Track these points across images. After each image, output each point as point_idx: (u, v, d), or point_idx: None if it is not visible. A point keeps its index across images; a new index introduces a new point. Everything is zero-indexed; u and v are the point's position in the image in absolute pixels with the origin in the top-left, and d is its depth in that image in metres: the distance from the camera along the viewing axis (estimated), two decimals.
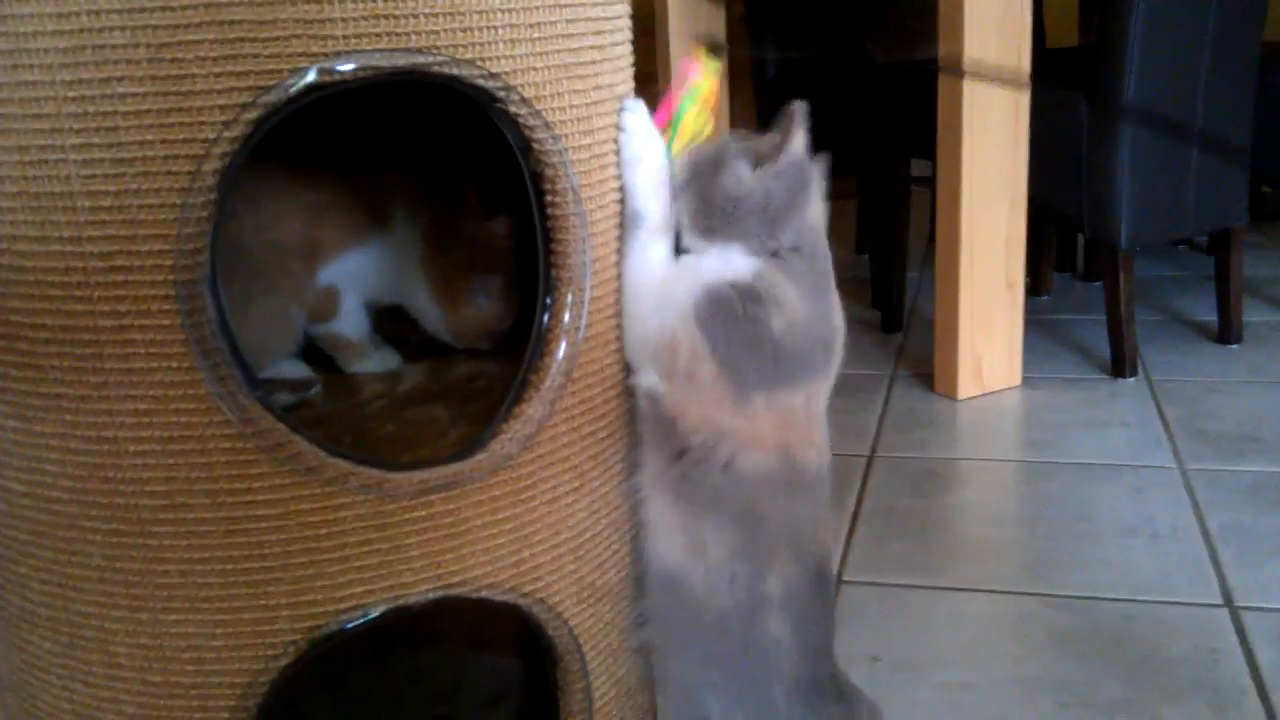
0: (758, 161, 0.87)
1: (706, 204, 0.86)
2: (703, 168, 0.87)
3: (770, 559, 0.86)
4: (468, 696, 1.19)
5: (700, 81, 0.91)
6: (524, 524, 0.82)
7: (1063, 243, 3.16)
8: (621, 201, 0.89)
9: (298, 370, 1.00)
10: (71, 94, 0.68)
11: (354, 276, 1.00)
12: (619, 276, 0.88)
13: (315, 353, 1.04)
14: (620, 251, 0.88)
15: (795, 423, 0.87)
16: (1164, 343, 2.60)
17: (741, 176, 0.86)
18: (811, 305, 0.87)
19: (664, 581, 0.88)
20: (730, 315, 0.84)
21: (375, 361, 1.04)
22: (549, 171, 0.80)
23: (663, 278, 0.87)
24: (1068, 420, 2.20)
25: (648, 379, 0.87)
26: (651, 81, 2.83)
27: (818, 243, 0.89)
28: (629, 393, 0.89)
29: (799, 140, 0.88)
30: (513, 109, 0.77)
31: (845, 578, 1.60)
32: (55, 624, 0.78)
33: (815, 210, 0.90)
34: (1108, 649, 1.44)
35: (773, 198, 0.86)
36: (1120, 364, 2.38)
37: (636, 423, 0.90)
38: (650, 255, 0.88)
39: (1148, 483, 1.91)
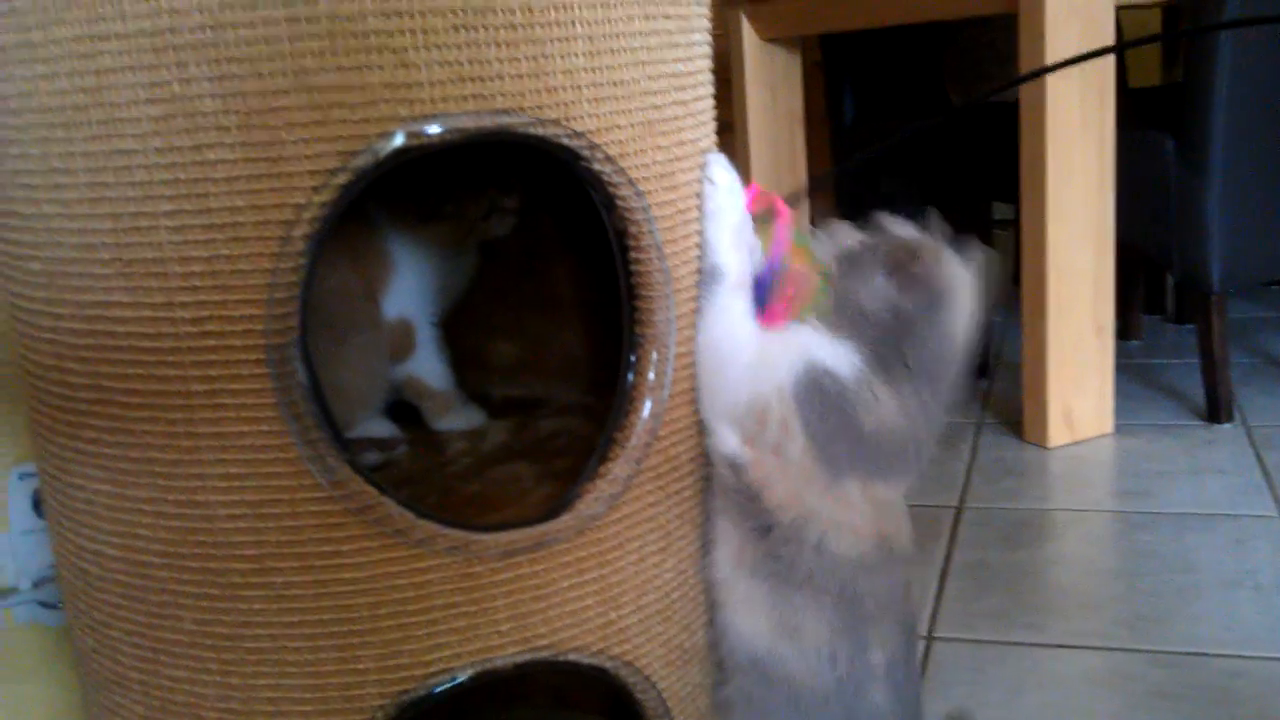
0: (895, 267, 0.83)
1: (838, 303, 0.84)
2: (843, 266, 0.85)
3: (872, 632, 0.83)
4: None
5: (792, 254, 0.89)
6: (611, 585, 0.81)
7: (1151, 285, 3.10)
8: (700, 257, 0.88)
9: (384, 429, 1.00)
10: (163, 161, 0.69)
11: (418, 301, 1.01)
12: (702, 326, 0.87)
13: (400, 413, 1.04)
14: (697, 308, 0.87)
15: (888, 512, 0.85)
16: (1260, 386, 2.52)
17: (876, 291, 0.82)
18: (908, 417, 0.83)
19: (751, 664, 0.84)
20: (825, 398, 0.81)
21: (460, 418, 1.04)
22: (633, 229, 0.79)
23: (757, 341, 0.85)
24: (1163, 468, 2.14)
25: (729, 444, 0.84)
26: (729, 131, 2.84)
27: (940, 365, 0.84)
28: (704, 459, 0.87)
29: (938, 259, 0.84)
30: (597, 167, 0.77)
31: (936, 634, 1.56)
32: (146, 688, 0.79)
33: (949, 327, 0.84)
34: (1214, 708, 1.39)
35: (900, 317, 0.82)
36: (1215, 409, 2.32)
37: (711, 495, 0.87)
38: (732, 312, 0.86)
39: (1249, 533, 1.85)
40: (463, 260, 1.04)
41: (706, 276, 0.87)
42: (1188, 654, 1.52)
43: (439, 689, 0.76)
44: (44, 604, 1.07)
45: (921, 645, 1.49)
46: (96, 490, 0.76)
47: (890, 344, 0.82)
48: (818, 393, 0.81)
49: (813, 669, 0.82)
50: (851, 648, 0.82)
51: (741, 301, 0.87)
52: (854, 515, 0.83)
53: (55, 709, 1.24)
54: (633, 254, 0.80)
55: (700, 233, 0.86)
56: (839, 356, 0.83)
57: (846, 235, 0.87)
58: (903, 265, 0.82)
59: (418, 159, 0.72)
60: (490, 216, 1.00)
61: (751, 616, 0.83)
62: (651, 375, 0.82)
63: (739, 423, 0.84)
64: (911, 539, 0.87)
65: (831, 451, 0.81)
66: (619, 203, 0.79)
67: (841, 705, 0.82)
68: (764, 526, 0.83)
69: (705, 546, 0.86)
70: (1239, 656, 1.50)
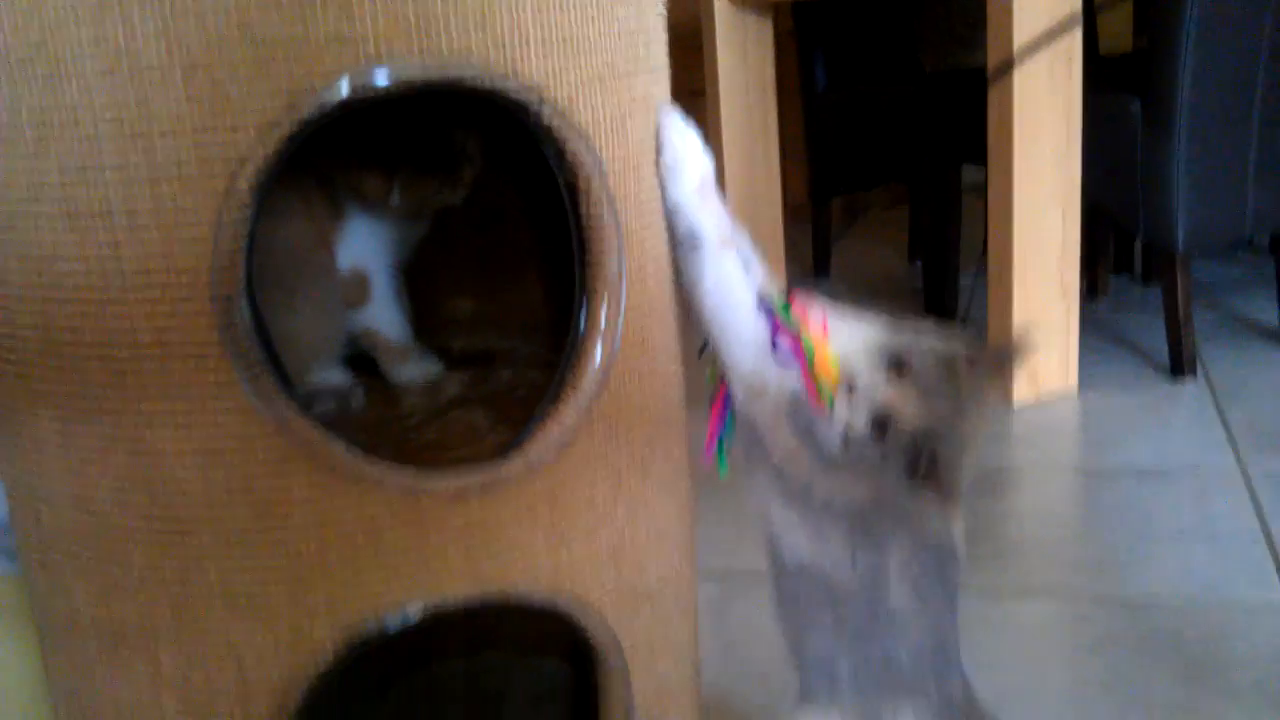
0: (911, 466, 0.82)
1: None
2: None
3: (886, 542, 0.87)
4: (512, 700, 1.20)
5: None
6: (561, 525, 0.83)
7: (1120, 245, 3.12)
8: (668, 220, 0.88)
9: (340, 379, 1.01)
10: (109, 114, 0.70)
11: (372, 251, 1.02)
12: (696, 296, 0.87)
13: (357, 364, 1.05)
14: (690, 276, 0.87)
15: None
16: (1224, 343, 2.55)
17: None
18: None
19: (798, 569, 0.90)
20: (804, 417, 0.84)
21: (417, 370, 1.05)
22: (583, 181, 0.80)
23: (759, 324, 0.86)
24: (1125, 424, 2.18)
25: (739, 397, 0.87)
26: (699, 97, 2.84)
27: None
28: (658, 406, 0.89)
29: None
30: (546, 119, 0.78)
31: None
32: (99, 626, 0.80)
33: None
34: (1166, 651, 1.42)
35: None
36: (1179, 366, 2.35)
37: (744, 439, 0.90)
38: (725, 270, 0.86)
39: (1208, 486, 1.88)
40: (419, 219, 1.05)
41: (685, 242, 0.87)
42: (1141, 600, 1.55)
43: (391, 626, 0.78)
44: (4, 552, 1.09)
45: None
46: (46, 435, 0.77)
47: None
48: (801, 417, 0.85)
49: (841, 570, 0.87)
50: (868, 555, 0.87)
51: (729, 261, 0.86)
52: (845, 480, 0.86)
53: (19, 657, 1.26)
54: (583, 206, 0.81)
55: (660, 190, 0.87)
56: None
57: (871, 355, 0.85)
58: (918, 470, 0.82)
59: (376, 112, 0.73)
60: (443, 189, 1.01)
61: (791, 534, 0.89)
62: (603, 323, 0.83)
63: (744, 384, 0.86)
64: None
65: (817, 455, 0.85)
66: (569, 155, 0.80)
67: (864, 597, 0.88)
68: (777, 471, 0.87)
69: (746, 466, 0.91)
70: (1191, 605, 1.53)
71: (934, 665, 0.92)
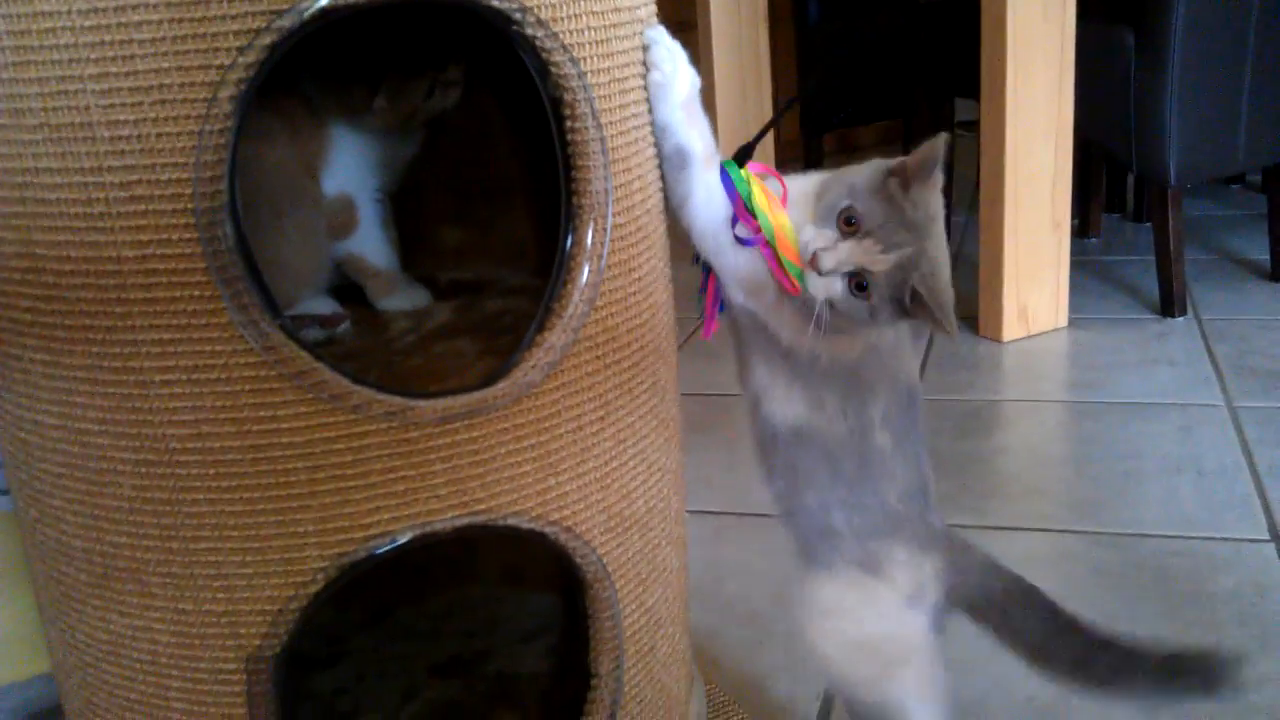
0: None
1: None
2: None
3: (869, 396, 0.93)
4: (504, 631, 1.20)
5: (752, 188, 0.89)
6: (549, 452, 0.82)
7: (1113, 184, 3.11)
8: (657, 139, 0.88)
9: (327, 306, 1.00)
10: (88, 24, 0.68)
11: (359, 177, 1.00)
12: (686, 212, 0.89)
13: (345, 293, 1.04)
14: (672, 192, 0.89)
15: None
16: (1215, 281, 2.55)
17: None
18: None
19: (794, 433, 0.95)
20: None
21: (404, 298, 1.04)
22: (568, 96, 0.79)
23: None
24: (1114, 360, 2.18)
25: (738, 299, 0.92)
26: (690, 30, 2.80)
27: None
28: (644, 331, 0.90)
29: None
30: (529, 31, 0.76)
31: None
32: (90, 555, 0.80)
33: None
34: (1151, 585, 1.43)
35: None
36: (1169, 303, 2.35)
37: (738, 330, 0.96)
38: (713, 191, 0.89)
39: (1195, 421, 1.89)
40: (406, 136, 1.03)
41: (673, 160, 0.88)
42: (1128, 535, 1.56)
43: (379, 550, 0.78)
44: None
45: None
46: (33, 360, 0.76)
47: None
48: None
49: (833, 424, 0.93)
50: (856, 407, 0.93)
51: (717, 176, 0.88)
52: (845, 345, 0.92)
53: (13, 591, 1.26)
54: (568, 123, 0.80)
55: (639, 102, 0.86)
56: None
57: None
58: (907, 310, 0.85)
59: (354, 29, 0.71)
60: (433, 93, 0.99)
61: (790, 404, 0.94)
62: (589, 244, 0.82)
63: (743, 285, 0.90)
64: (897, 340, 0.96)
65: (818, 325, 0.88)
66: (553, 69, 0.78)
67: (854, 446, 0.94)
68: (786, 351, 0.92)
69: (740, 365, 0.98)
70: (1177, 537, 1.54)
71: (916, 502, 0.98)
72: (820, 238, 0.85)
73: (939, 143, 0.84)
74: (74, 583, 0.82)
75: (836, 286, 0.85)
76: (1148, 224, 2.83)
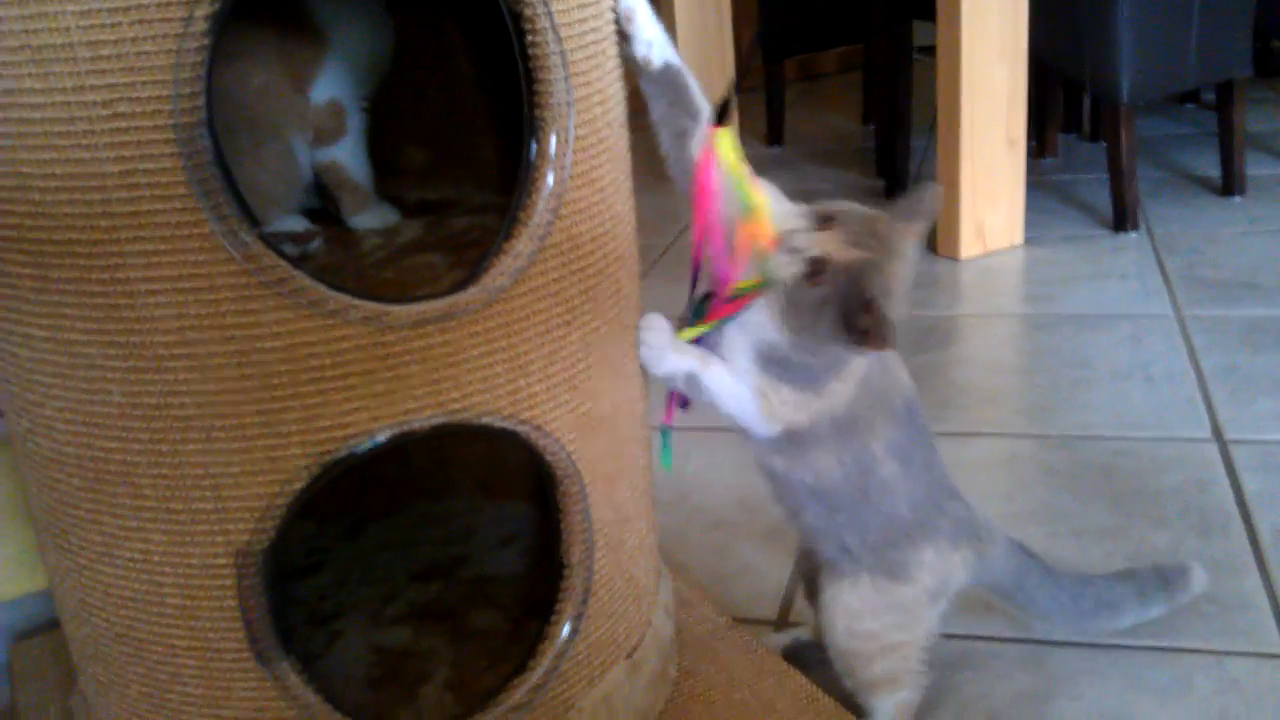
0: (848, 316, 0.91)
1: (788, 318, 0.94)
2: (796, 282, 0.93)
3: (870, 432, 1.01)
4: (480, 539, 1.25)
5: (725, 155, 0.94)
6: (518, 354, 0.87)
7: (1069, 105, 3.15)
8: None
9: (300, 224, 1.03)
10: None
11: (349, 81, 1.03)
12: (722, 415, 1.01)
13: (315, 216, 1.07)
14: (705, 401, 1.00)
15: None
16: (1167, 197, 2.61)
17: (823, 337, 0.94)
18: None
19: (814, 495, 1.04)
20: (776, 356, 0.96)
21: (375, 216, 1.07)
22: (527, 10, 0.82)
23: (740, 375, 0.99)
24: (1068, 274, 2.23)
25: (774, 430, 1.00)
26: None
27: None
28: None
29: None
30: None
31: None
32: (81, 461, 0.84)
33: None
34: (1098, 482, 1.49)
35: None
36: (1122, 218, 2.40)
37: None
38: (722, 382, 0.99)
39: (1145, 330, 1.95)
40: (385, 35, 1.05)
41: (680, 384, 0.99)
42: (1078, 437, 1.62)
43: (360, 449, 0.82)
44: None
45: None
46: (20, 275, 0.79)
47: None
48: (772, 359, 0.96)
49: (827, 476, 1.02)
50: (857, 451, 1.01)
51: (721, 372, 0.98)
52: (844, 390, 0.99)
53: (7, 504, 1.30)
54: (529, 37, 0.83)
55: (598, 17, 0.89)
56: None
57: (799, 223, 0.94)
58: (855, 315, 0.90)
59: None
60: None
61: (827, 466, 1.01)
62: (552, 154, 0.86)
63: (767, 414, 0.99)
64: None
65: (803, 377, 0.97)
66: None
67: (851, 486, 1.02)
68: (795, 434, 1.00)
69: (760, 467, 1.06)
70: (1123, 438, 1.60)
71: (935, 500, 1.06)
72: (796, 223, 0.92)
73: (935, 194, 0.94)
74: (67, 489, 0.86)
75: (795, 270, 0.91)
76: (1103, 143, 2.88)
